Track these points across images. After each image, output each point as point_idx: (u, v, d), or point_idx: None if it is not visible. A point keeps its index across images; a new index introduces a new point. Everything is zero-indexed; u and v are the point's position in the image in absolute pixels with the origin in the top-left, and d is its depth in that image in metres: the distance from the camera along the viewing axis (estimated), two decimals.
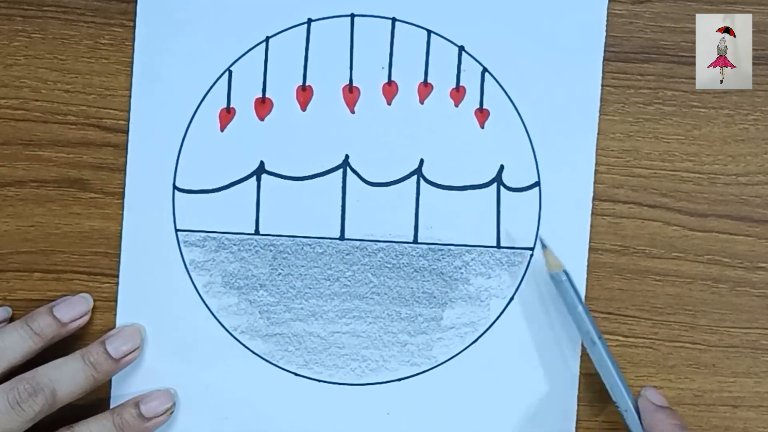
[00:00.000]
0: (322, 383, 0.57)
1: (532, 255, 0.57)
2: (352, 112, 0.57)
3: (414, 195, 0.57)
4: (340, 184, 0.57)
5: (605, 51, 0.57)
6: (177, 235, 0.57)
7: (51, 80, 0.57)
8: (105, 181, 0.57)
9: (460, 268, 0.57)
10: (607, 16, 0.57)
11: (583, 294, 0.56)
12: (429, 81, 0.57)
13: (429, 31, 0.57)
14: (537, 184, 0.57)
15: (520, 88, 0.57)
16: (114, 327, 0.57)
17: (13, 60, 0.57)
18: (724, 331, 0.57)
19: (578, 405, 0.57)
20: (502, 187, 0.57)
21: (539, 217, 0.57)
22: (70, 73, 0.57)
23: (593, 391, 0.57)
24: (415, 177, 0.57)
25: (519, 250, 0.57)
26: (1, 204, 0.57)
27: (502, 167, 0.57)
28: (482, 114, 0.57)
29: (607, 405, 0.57)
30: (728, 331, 0.57)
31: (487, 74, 0.57)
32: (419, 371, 0.57)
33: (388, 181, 0.57)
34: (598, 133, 0.57)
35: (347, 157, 0.57)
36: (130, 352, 0.55)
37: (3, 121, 0.57)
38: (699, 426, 0.57)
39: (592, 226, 0.57)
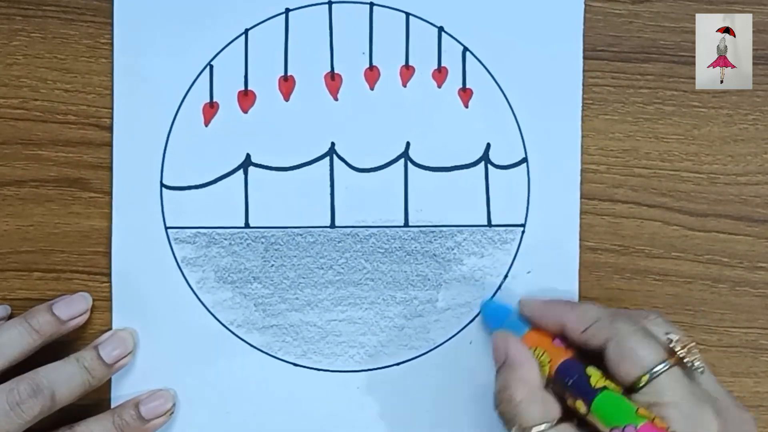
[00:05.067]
0: (321, 372, 0.57)
1: (524, 232, 0.57)
2: (336, 99, 0.57)
3: (402, 178, 0.57)
4: (328, 172, 0.57)
5: (604, 50, 0.57)
6: (167, 233, 0.57)
7: (50, 80, 0.57)
8: (104, 181, 0.57)
9: (453, 249, 0.57)
10: (607, 16, 0.57)
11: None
12: (410, 63, 0.57)
13: (407, 14, 0.57)
14: (524, 160, 0.57)
15: (502, 65, 0.57)
16: (111, 327, 0.57)
17: (13, 59, 0.57)
18: (723, 330, 0.57)
19: None
20: (489, 166, 0.57)
21: (528, 193, 0.57)
22: (69, 72, 0.57)
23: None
24: (402, 160, 0.57)
25: (510, 228, 0.57)
26: (0, 203, 0.57)
27: (488, 145, 0.57)
28: (465, 93, 0.57)
29: None
30: (728, 331, 0.57)
31: (468, 53, 0.57)
32: (418, 354, 0.57)
33: (376, 166, 0.57)
34: (597, 133, 0.57)
35: (333, 144, 0.57)
36: (122, 357, 0.55)
37: (2, 121, 0.57)
38: None
39: (591, 225, 0.57)
